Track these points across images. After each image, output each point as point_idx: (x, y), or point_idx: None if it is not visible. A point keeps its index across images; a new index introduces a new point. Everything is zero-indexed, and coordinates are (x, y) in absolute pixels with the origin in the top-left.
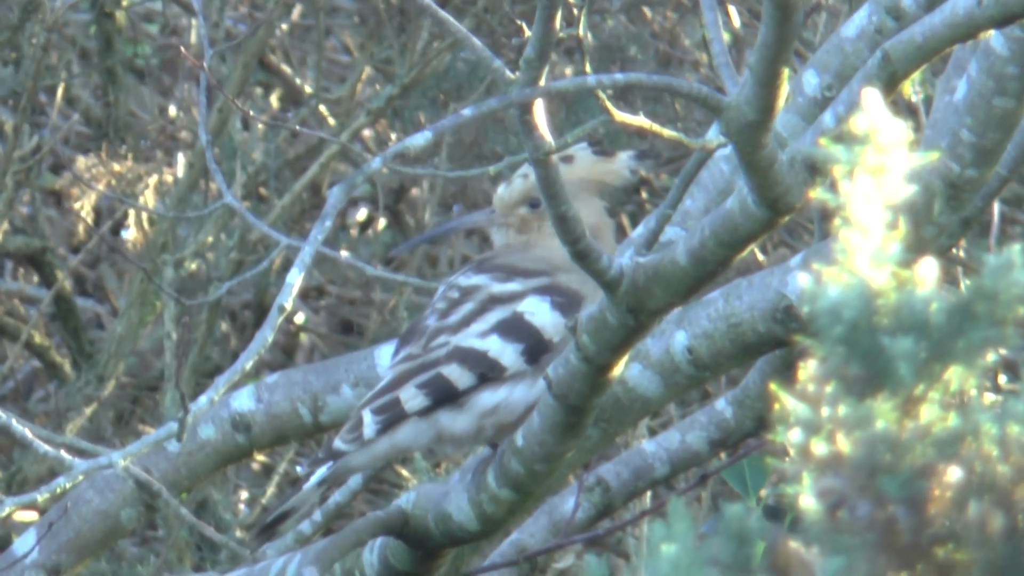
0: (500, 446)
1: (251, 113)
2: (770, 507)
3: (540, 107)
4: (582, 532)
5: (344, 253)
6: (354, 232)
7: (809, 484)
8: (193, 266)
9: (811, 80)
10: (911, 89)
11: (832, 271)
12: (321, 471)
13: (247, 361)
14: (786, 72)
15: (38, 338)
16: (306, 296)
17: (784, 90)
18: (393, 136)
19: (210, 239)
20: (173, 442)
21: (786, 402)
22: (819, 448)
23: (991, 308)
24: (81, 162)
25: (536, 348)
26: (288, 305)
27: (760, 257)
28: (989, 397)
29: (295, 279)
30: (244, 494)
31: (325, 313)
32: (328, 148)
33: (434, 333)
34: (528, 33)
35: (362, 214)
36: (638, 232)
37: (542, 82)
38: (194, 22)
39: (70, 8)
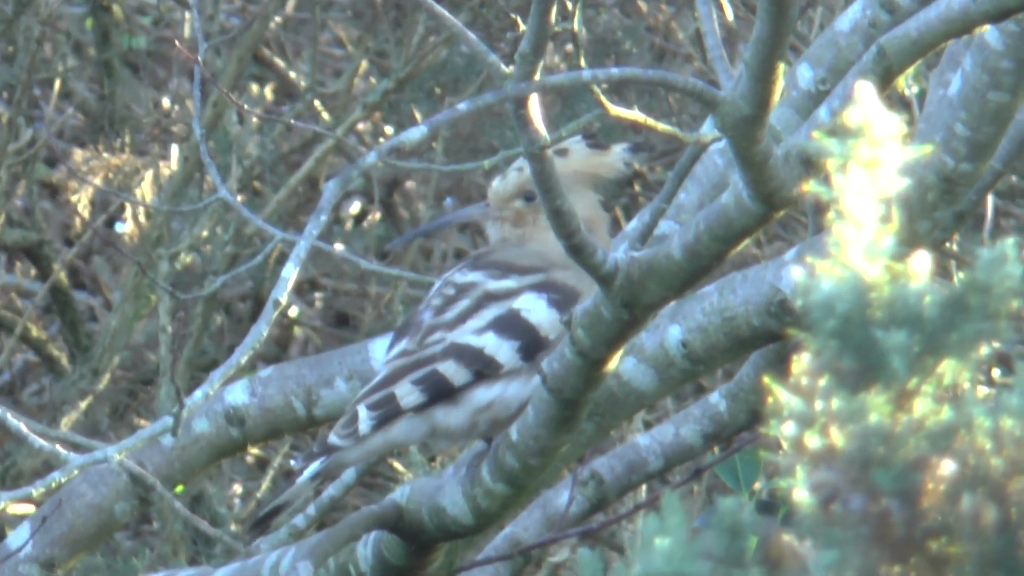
0: (494, 440)
1: (245, 107)
2: (763, 501)
3: (535, 101)
4: (576, 526)
5: (339, 246)
6: (348, 225)
7: (802, 477)
8: (188, 259)
9: (805, 74)
10: (905, 83)
11: (826, 265)
12: (314, 466)
13: (242, 356)
14: (781, 67)
15: (35, 331)
16: (300, 289)
17: (779, 85)
18: (389, 130)
19: (205, 233)
20: (167, 436)
21: (780, 395)
22: (812, 441)
23: (984, 301)
24: (78, 155)
25: (532, 345)
26: (283, 300)
27: (756, 251)
28: (982, 390)
29: (290, 274)
30: (239, 488)
31: (319, 306)
32: (323, 142)
33: (430, 329)
34: (523, 27)
35: (356, 207)
36: (632, 226)
37: (537, 76)
38: (188, 15)
39: (64, 1)
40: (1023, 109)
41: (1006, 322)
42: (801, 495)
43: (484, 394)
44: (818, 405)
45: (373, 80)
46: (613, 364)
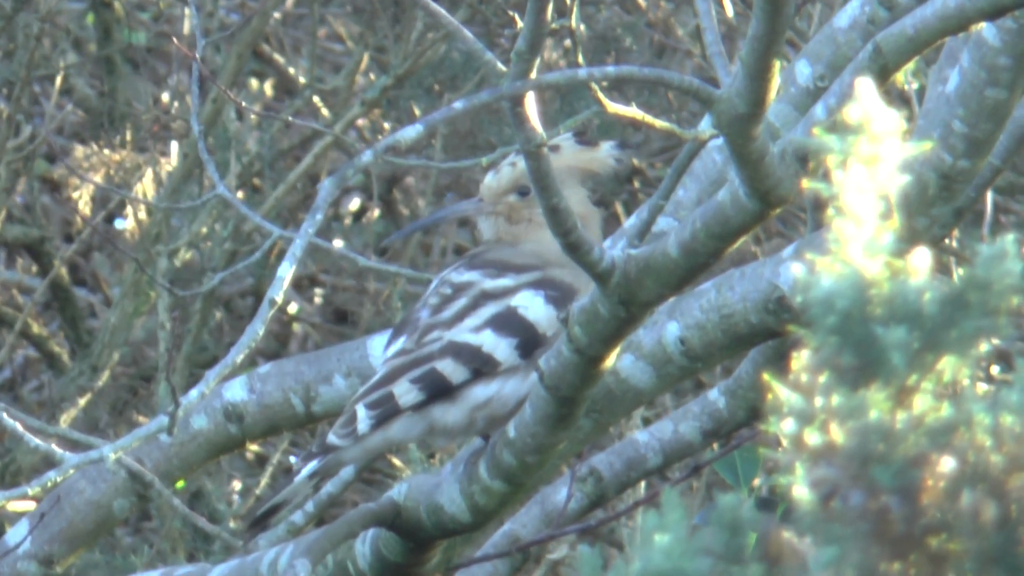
0: (492, 438)
1: (243, 104)
2: (763, 497)
3: (531, 99)
4: (575, 522)
5: (337, 243)
6: (347, 222)
7: (802, 474)
8: (187, 256)
9: (803, 70)
10: (904, 79)
11: (825, 261)
12: (312, 464)
13: (237, 355)
14: (777, 65)
15: (35, 327)
16: (300, 286)
17: (775, 83)
18: (387, 126)
19: (204, 229)
20: (165, 433)
21: (779, 392)
22: (812, 438)
23: (984, 298)
24: (78, 151)
25: (530, 342)
26: (279, 299)
27: (755, 248)
28: (982, 387)
29: (286, 273)
30: (237, 484)
31: (319, 303)
32: (322, 138)
33: (427, 328)
34: (520, 24)
35: (355, 204)
36: (630, 223)
37: (533, 74)
38: (188, 11)
39: None
40: (1021, 106)
41: (1006, 319)
42: (801, 492)
43: (482, 392)
44: (818, 402)
45: (372, 76)
46: (610, 361)
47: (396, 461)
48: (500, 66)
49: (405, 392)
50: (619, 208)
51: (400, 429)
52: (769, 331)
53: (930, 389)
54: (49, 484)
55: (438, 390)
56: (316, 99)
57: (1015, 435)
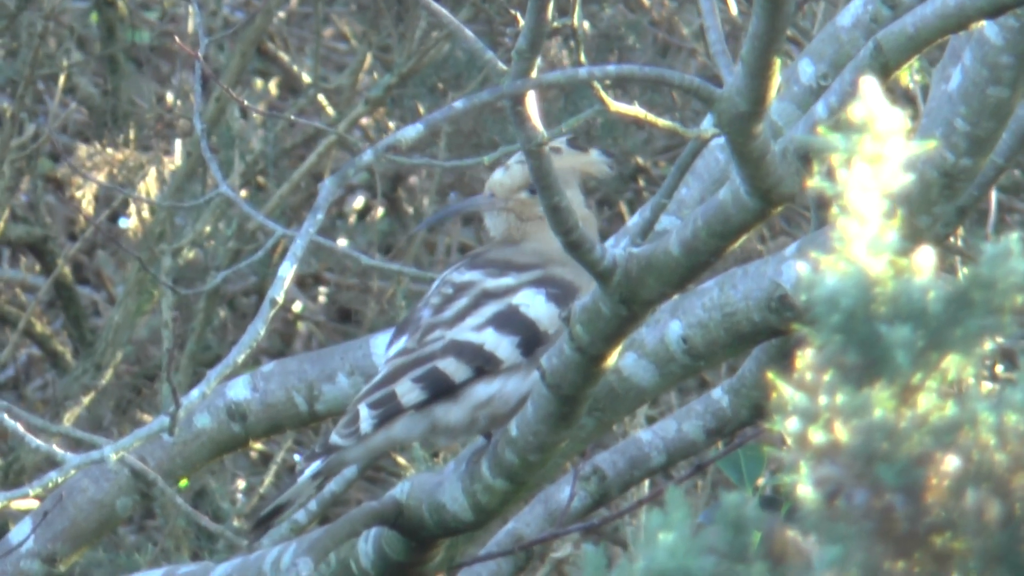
0: (494, 436)
1: (247, 103)
2: (767, 496)
3: (532, 98)
4: (578, 521)
5: (341, 242)
6: (351, 220)
7: (806, 473)
8: (191, 255)
9: (806, 69)
10: (909, 78)
11: (829, 259)
12: (316, 464)
13: (239, 355)
14: (778, 63)
15: (39, 326)
16: (303, 284)
17: (776, 81)
18: (392, 125)
19: (208, 228)
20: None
21: (784, 390)
22: (816, 436)
23: (988, 296)
24: (82, 150)
25: (531, 340)
26: (280, 299)
27: (760, 247)
28: (986, 386)
29: (287, 272)
30: (241, 483)
31: (322, 301)
32: (326, 137)
33: (429, 327)
34: (522, 23)
35: (359, 202)
36: (633, 221)
37: (534, 73)
38: (191, 10)
39: None
40: (1023, 104)
41: (1010, 317)
42: (805, 490)
43: (484, 390)
44: (822, 400)
45: (376, 75)
46: (612, 360)
47: (400, 460)
48: (501, 65)
49: (407, 391)
50: (623, 207)
51: (402, 428)
52: (772, 330)
53: (934, 388)
54: (51, 484)
55: (440, 389)
56: (320, 98)
57: (1019, 434)
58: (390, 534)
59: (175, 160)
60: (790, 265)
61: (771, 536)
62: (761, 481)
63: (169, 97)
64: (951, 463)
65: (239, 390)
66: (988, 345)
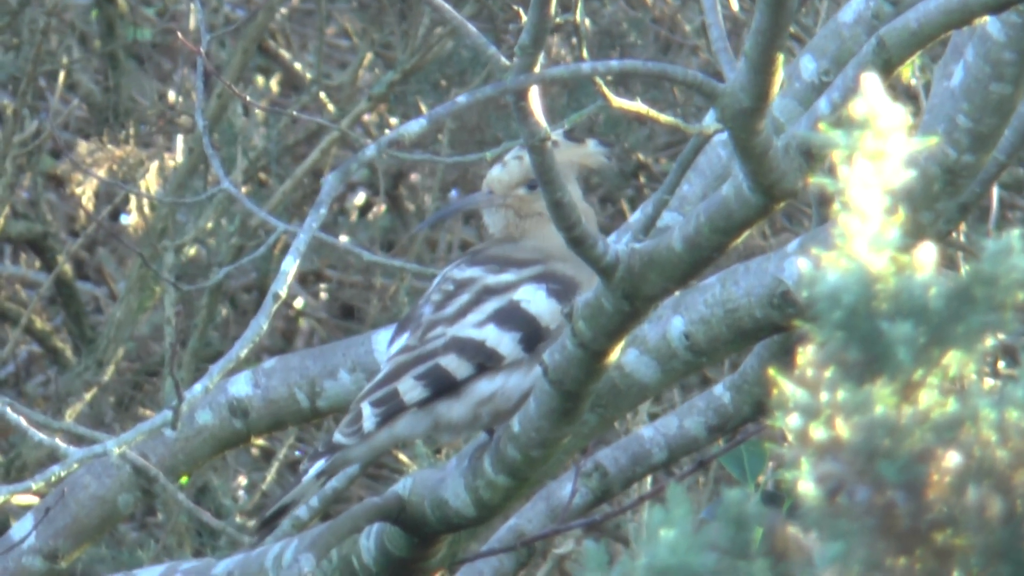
0: (496, 432)
1: (249, 99)
2: (768, 492)
3: (535, 93)
4: (580, 517)
5: (343, 239)
6: (353, 217)
7: (808, 469)
8: (193, 251)
9: (808, 65)
10: (911, 74)
11: (831, 256)
12: (319, 464)
13: (241, 350)
14: (781, 58)
15: (39, 323)
16: (305, 281)
17: (779, 76)
18: (394, 121)
19: (210, 225)
20: (170, 427)
21: (785, 387)
22: (818, 433)
23: (990, 293)
24: (83, 147)
25: (533, 336)
26: (283, 294)
27: (762, 243)
28: (988, 382)
29: (289, 267)
30: (243, 480)
31: (325, 298)
32: (329, 134)
33: (430, 324)
34: (525, 19)
35: (361, 199)
36: (635, 217)
37: (537, 68)
38: (193, 7)
39: None
40: None
41: (1012, 314)
42: (806, 487)
43: (486, 386)
44: (823, 397)
45: (378, 72)
46: (614, 356)
47: (402, 456)
48: (504, 60)
49: (409, 389)
50: (624, 204)
51: (405, 426)
52: (774, 326)
53: (936, 384)
54: (53, 479)
55: (442, 386)
56: (322, 95)
57: (1021, 430)
58: (392, 530)
59: (176, 157)
60: (792, 261)
61: (773, 532)
62: (763, 477)
63: (171, 94)
64: (952, 459)
65: (241, 386)
66: (990, 341)
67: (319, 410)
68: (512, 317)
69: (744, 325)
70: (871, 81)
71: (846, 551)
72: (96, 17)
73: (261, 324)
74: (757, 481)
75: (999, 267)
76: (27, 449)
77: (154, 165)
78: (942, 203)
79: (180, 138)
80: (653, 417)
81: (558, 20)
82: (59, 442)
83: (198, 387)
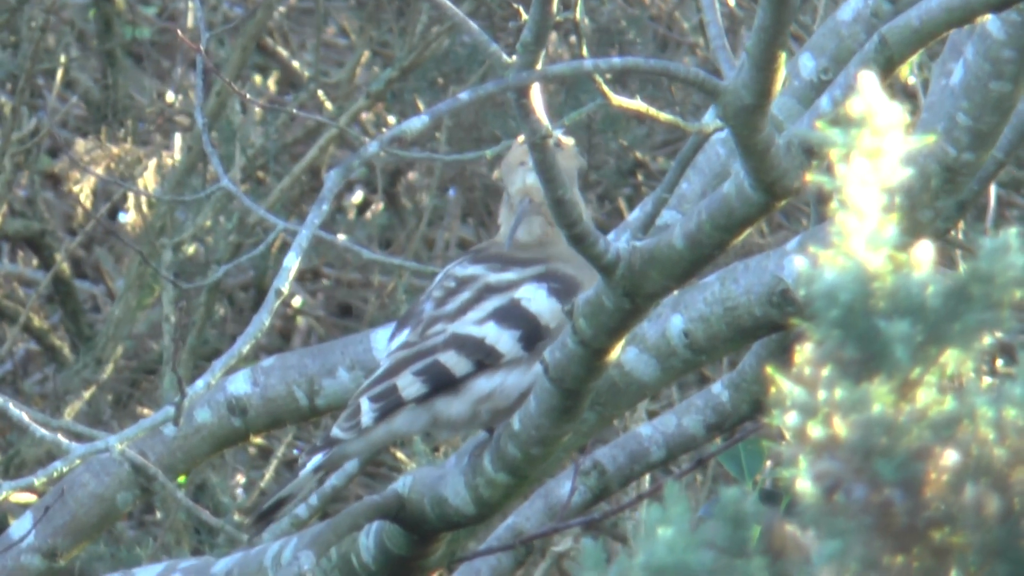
0: (496, 430)
1: (248, 97)
2: (766, 491)
3: (537, 91)
4: (578, 516)
5: (341, 236)
6: (351, 215)
7: (805, 467)
8: (191, 249)
9: (807, 63)
10: (909, 72)
11: (828, 254)
12: (317, 458)
13: (244, 345)
14: (783, 56)
15: (37, 321)
16: (303, 279)
17: (781, 74)
18: (392, 119)
19: (208, 222)
20: (169, 426)
21: (783, 385)
22: (815, 431)
23: (987, 291)
24: (80, 145)
25: (533, 334)
26: (285, 289)
27: (760, 241)
28: (985, 380)
29: (292, 263)
30: (241, 478)
31: (322, 296)
32: (326, 132)
33: (431, 321)
34: (525, 17)
35: (359, 197)
36: (634, 216)
37: (539, 66)
38: (191, 5)
39: None
40: None
41: (1009, 312)
42: (804, 485)
43: (485, 384)
44: (821, 395)
45: (376, 69)
46: (615, 354)
47: (400, 455)
48: (505, 57)
49: (408, 384)
50: (622, 202)
51: (404, 422)
52: (773, 324)
53: (933, 382)
54: (55, 474)
55: (441, 382)
56: (320, 92)
57: (1018, 428)
58: (391, 528)
59: (174, 155)
60: (792, 260)
61: (770, 530)
62: (760, 476)
63: (169, 93)
64: (950, 458)
65: (239, 384)
66: (987, 339)
67: (318, 408)
68: (512, 315)
69: (743, 323)
70: (868, 79)
71: (843, 549)
72: (94, 15)
73: (263, 320)
74: (755, 479)
75: (996, 265)
76: (26, 447)
77: (152, 163)
78: (941, 201)
79: (178, 136)
80: (651, 415)
81: (558, 18)
82: (61, 438)
83: (200, 383)
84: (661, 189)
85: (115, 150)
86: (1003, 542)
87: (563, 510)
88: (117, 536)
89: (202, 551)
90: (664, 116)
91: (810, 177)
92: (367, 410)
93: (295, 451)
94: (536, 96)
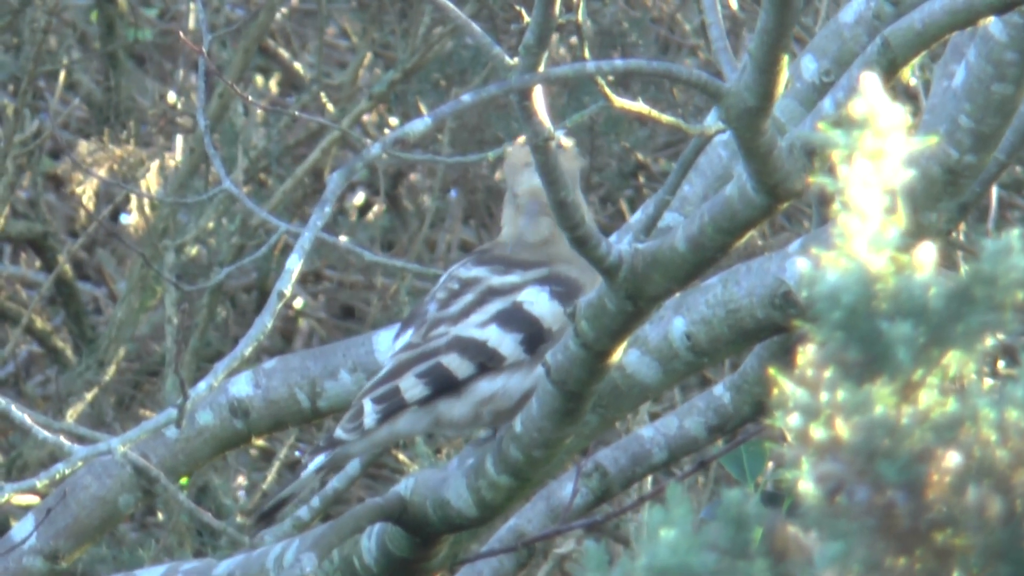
0: (499, 432)
1: (250, 99)
2: (768, 493)
3: (539, 93)
4: (580, 518)
5: (343, 238)
6: (353, 217)
7: (808, 469)
8: (194, 251)
9: (809, 65)
10: (910, 74)
11: (831, 256)
12: (319, 459)
13: (246, 347)
14: (786, 58)
15: (39, 323)
16: (305, 281)
17: (784, 76)
18: (394, 121)
19: (211, 224)
20: (171, 428)
21: (785, 387)
22: (818, 433)
23: (990, 293)
24: (83, 147)
25: (535, 337)
26: (287, 291)
27: (761, 243)
28: (988, 382)
29: (294, 266)
30: (243, 480)
31: (324, 298)
32: (329, 134)
33: (434, 323)
34: (528, 19)
35: (360, 199)
36: (636, 218)
37: (541, 68)
38: (193, 7)
39: None
40: None
41: (1012, 313)
42: (806, 487)
43: (487, 386)
44: (823, 397)
45: (379, 71)
46: (617, 356)
47: (402, 456)
48: (507, 59)
49: (411, 387)
50: (624, 204)
51: (406, 423)
52: (775, 326)
53: (936, 384)
54: (57, 476)
55: (444, 385)
56: (322, 94)
57: (1021, 430)
58: (394, 530)
59: (176, 157)
60: (794, 262)
61: (773, 532)
62: (762, 478)
63: (171, 94)
64: (952, 459)
65: (241, 387)
66: (989, 341)
67: (320, 410)
68: (514, 318)
69: (745, 325)
70: (870, 81)
71: (846, 551)
72: (96, 17)
73: (266, 322)
74: (756, 481)
75: (999, 267)
76: (28, 449)
77: (154, 165)
78: (943, 203)
79: (180, 138)
80: (653, 417)
81: (560, 20)
82: (63, 440)
83: (202, 385)
84: (663, 191)
85: (117, 152)
86: (1005, 544)
87: (565, 512)
88: (119, 538)
89: (204, 553)
90: (666, 118)
91: (813, 179)
92: (370, 411)
93: (297, 453)
94: (538, 98)
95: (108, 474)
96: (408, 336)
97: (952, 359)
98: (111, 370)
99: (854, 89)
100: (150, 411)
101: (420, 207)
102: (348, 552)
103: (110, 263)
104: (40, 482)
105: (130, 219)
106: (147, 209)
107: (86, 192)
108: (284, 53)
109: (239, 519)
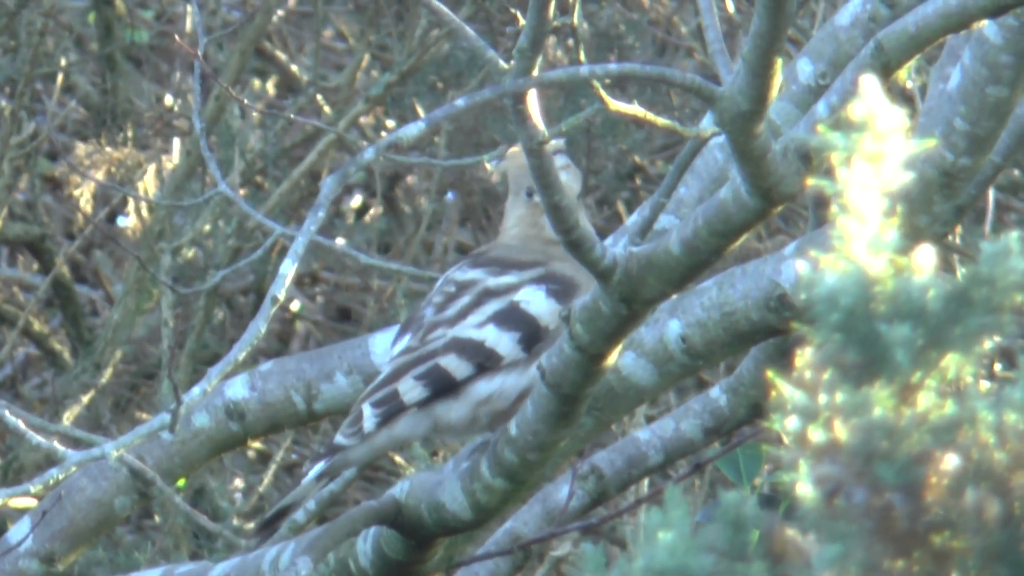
0: (494, 435)
1: (246, 102)
2: (765, 495)
3: (533, 97)
4: (576, 520)
5: (339, 241)
6: (350, 219)
7: (806, 471)
8: (190, 254)
9: (805, 68)
10: (907, 77)
11: (829, 258)
12: (319, 465)
13: (240, 352)
14: (779, 62)
15: (36, 325)
16: (302, 283)
17: (778, 80)
18: (391, 124)
19: (207, 227)
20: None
21: (783, 389)
22: (816, 435)
23: (988, 295)
24: (80, 149)
25: (532, 336)
26: (281, 296)
27: (758, 245)
28: (985, 384)
29: (288, 270)
30: (240, 482)
31: (321, 300)
32: (325, 136)
33: (431, 326)
34: (523, 22)
35: (357, 201)
36: (632, 220)
37: (535, 71)
38: (190, 9)
39: None
40: (1022, 103)
41: (1009, 316)
42: (804, 489)
43: (485, 387)
44: (821, 399)
45: (375, 74)
46: (612, 359)
47: (398, 459)
48: (502, 63)
49: (409, 389)
50: (621, 206)
51: (405, 427)
52: (770, 329)
53: (934, 386)
54: (51, 482)
55: (442, 386)
56: (319, 97)
57: (1018, 433)
58: (389, 533)
59: (173, 159)
60: (789, 264)
61: (770, 535)
62: (759, 480)
63: (168, 97)
64: (950, 462)
65: (237, 389)
66: (987, 344)
67: (316, 413)
68: (512, 317)
69: (741, 328)
70: (870, 83)
71: (844, 553)
72: (93, 19)
73: (259, 327)
74: (753, 484)
75: (997, 269)
76: (24, 452)
77: (151, 167)
78: (939, 206)
79: (177, 141)
80: (649, 420)
81: (555, 23)
82: (57, 445)
83: (196, 390)
84: (659, 193)
85: (114, 154)
86: (1003, 546)
87: (561, 515)
88: (115, 541)
89: (200, 555)
90: (662, 121)
91: (810, 181)
92: (369, 416)
93: (293, 455)
94: (532, 102)
95: (104, 477)
96: (406, 341)
97: (950, 361)
98: (108, 372)
99: (848, 92)
100: (147, 413)
101: (417, 209)
102: (344, 555)
103: (107, 265)
104: (34, 487)
105: (127, 221)
106: (144, 211)
107: (83, 194)
108: (281, 55)
109: (235, 521)
